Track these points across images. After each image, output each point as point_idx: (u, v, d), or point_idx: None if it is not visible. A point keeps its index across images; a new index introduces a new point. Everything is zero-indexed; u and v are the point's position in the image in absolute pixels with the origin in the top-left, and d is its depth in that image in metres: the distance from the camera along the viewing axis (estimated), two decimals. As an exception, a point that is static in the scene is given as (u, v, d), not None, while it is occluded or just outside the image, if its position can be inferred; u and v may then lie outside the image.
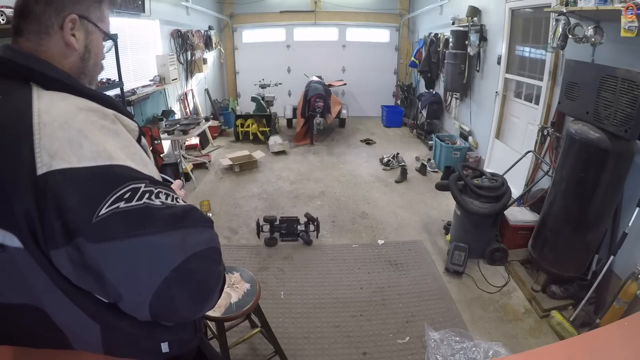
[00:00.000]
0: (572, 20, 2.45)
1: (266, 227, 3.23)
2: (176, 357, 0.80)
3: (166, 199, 0.64)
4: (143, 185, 0.61)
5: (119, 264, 0.59)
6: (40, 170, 0.55)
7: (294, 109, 6.81)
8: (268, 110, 6.32)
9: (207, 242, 0.67)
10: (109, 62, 3.58)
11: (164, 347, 0.76)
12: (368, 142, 6.20)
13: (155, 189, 0.63)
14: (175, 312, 0.65)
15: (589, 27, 2.29)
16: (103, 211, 0.57)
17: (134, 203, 0.59)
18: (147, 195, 0.61)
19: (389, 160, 5.05)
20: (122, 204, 0.58)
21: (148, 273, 0.60)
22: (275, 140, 5.73)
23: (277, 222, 3.25)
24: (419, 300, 2.52)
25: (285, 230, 3.23)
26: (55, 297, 0.63)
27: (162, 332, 0.75)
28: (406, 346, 2.15)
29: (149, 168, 0.67)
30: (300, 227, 3.23)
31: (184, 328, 0.82)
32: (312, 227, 3.23)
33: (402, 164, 4.95)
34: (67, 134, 0.58)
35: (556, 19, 2.56)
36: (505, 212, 2.92)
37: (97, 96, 0.69)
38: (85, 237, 0.56)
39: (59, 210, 0.56)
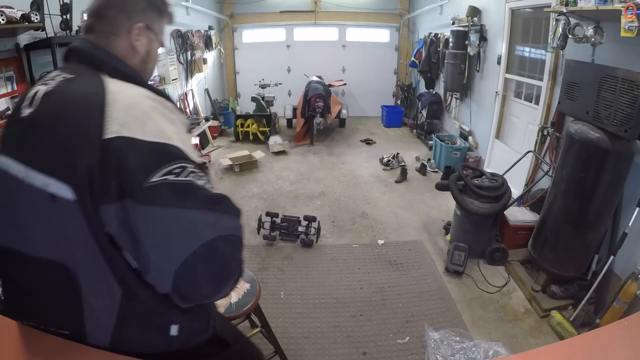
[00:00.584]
0: (572, 20, 2.45)
1: (267, 224, 3.23)
2: (183, 350, 0.81)
3: (205, 184, 0.72)
4: (191, 166, 0.70)
5: (156, 228, 0.65)
6: (108, 135, 0.64)
7: (294, 109, 6.81)
8: (268, 110, 6.32)
9: (234, 229, 0.75)
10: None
11: (174, 329, 0.78)
12: (368, 142, 6.20)
13: (199, 173, 0.71)
14: (196, 288, 0.70)
15: (589, 27, 2.29)
16: (154, 179, 0.64)
17: (180, 178, 0.67)
18: (192, 175, 0.69)
19: (389, 160, 5.05)
20: (170, 177, 0.65)
21: (180, 243, 0.66)
22: (275, 140, 5.73)
23: (279, 221, 3.25)
24: (419, 300, 2.52)
25: (285, 230, 3.24)
26: (89, 253, 0.68)
27: (176, 314, 0.78)
28: (406, 346, 2.15)
29: (195, 156, 0.75)
30: (301, 229, 3.22)
31: (198, 317, 0.84)
32: (312, 230, 3.23)
33: (402, 164, 4.95)
34: (135, 112, 0.68)
35: (556, 19, 2.56)
36: (505, 212, 2.92)
37: (158, 92, 0.79)
38: (134, 198, 0.63)
39: (118, 170, 0.63)
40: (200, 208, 0.69)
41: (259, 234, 3.23)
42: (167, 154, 0.68)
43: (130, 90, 0.72)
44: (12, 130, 0.76)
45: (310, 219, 3.24)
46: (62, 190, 0.66)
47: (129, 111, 0.68)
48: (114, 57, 0.80)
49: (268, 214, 3.25)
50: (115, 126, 0.65)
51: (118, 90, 0.70)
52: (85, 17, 0.87)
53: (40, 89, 0.74)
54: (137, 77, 0.80)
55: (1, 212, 0.75)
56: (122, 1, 0.82)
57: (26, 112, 0.73)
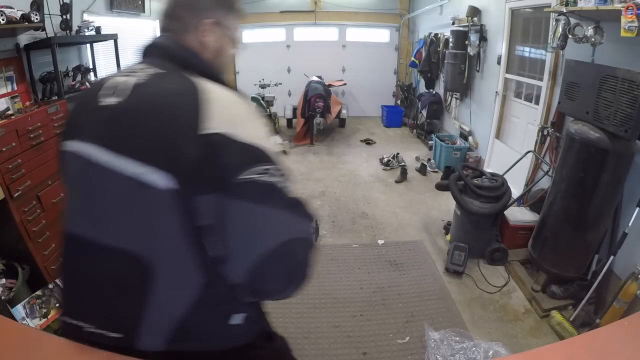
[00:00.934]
0: (572, 20, 2.45)
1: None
2: (238, 347, 0.83)
3: (286, 187, 0.74)
4: (276, 169, 0.73)
5: (241, 222, 0.69)
6: (207, 130, 0.67)
7: (294, 109, 6.80)
8: (268, 110, 6.32)
9: (308, 233, 0.77)
10: (109, 62, 3.59)
11: (237, 318, 0.81)
12: (368, 142, 6.20)
13: (282, 175, 0.74)
14: (266, 284, 0.74)
15: (589, 27, 2.29)
16: (244, 176, 0.68)
17: (266, 179, 0.70)
18: (276, 177, 0.72)
19: (389, 160, 5.05)
20: (258, 176, 0.69)
21: (260, 238, 0.70)
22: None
23: None
24: (419, 300, 2.52)
25: None
26: (173, 242, 0.71)
27: (242, 303, 0.81)
28: (406, 346, 2.15)
29: (278, 159, 0.77)
30: None
31: (254, 307, 0.86)
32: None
33: (402, 164, 4.95)
34: (230, 113, 0.72)
35: (556, 19, 2.56)
36: (505, 212, 2.92)
37: (239, 94, 0.81)
38: (226, 192, 0.68)
39: (214, 164, 0.67)
40: (281, 208, 0.72)
41: None
42: (258, 155, 0.71)
43: (222, 92, 0.75)
44: (91, 117, 0.76)
45: None
46: (157, 178, 0.67)
47: (225, 111, 0.71)
48: (192, 54, 0.84)
49: None
50: (214, 123, 0.68)
51: (211, 90, 0.73)
52: (159, 19, 0.90)
53: (127, 80, 0.76)
54: (214, 74, 0.83)
55: (75, 198, 0.78)
56: (190, 3, 0.87)
57: (110, 100, 0.74)
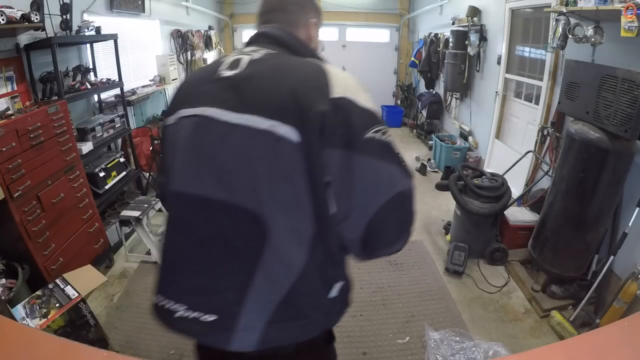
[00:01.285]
0: (572, 20, 2.45)
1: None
2: (317, 339, 0.84)
3: (396, 145, 0.81)
4: (387, 130, 0.80)
5: (366, 175, 0.75)
6: (335, 95, 0.75)
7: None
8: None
9: (412, 187, 0.82)
10: (109, 62, 3.59)
11: (336, 288, 0.83)
12: (368, 142, 6.19)
13: (391, 136, 0.81)
14: (383, 234, 0.80)
15: (589, 27, 2.29)
16: (368, 135, 0.75)
17: (384, 138, 0.78)
18: (390, 137, 0.80)
19: (389, 160, 5.05)
20: (377, 135, 0.77)
21: (381, 189, 0.76)
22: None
23: None
24: (419, 300, 2.52)
25: None
26: (294, 200, 0.74)
27: (343, 273, 0.87)
28: (406, 346, 2.15)
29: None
30: None
31: (347, 277, 0.89)
32: None
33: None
34: (350, 84, 0.80)
35: (556, 19, 2.56)
36: (505, 212, 2.92)
37: None
38: (353, 148, 0.74)
39: (344, 122, 0.74)
40: (395, 164, 0.79)
41: None
42: (376, 118, 0.79)
43: (337, 69, 0.83)
44: (211, 87, 0.82)
45: None
46: (292, 134, 0.73)
47: (345, 82, 0.80)
48: (303, 44, 0.96)
49: None
50: (340, 89, 0.76)
51: (329, 67, 0.82)
52: (260, 11, 1.03)
53: (241, 57, 0.84)
54: (322, 61, 0.89)
55: (192, 160, 0.80)
56: (299, 2, 1.00)
57: (228, 73, 0.82)
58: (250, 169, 0.74)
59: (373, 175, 0.76)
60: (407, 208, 0.81)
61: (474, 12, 4.46)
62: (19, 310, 1.74)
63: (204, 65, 0.81)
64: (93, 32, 3.14)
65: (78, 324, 1.83)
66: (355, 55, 7.63)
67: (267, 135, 0.73)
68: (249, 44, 0.94)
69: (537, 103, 3.41)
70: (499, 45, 4.08)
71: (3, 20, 2.12)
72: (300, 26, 0.98)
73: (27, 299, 1.80)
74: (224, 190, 0.76)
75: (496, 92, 4.12)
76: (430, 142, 5.51)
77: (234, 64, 0.83)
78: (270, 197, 0.74)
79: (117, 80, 3.44)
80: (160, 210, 3.18)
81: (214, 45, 6.63)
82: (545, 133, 3.10)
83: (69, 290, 1.87)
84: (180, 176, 0.82)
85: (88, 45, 3.31)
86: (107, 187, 3.12)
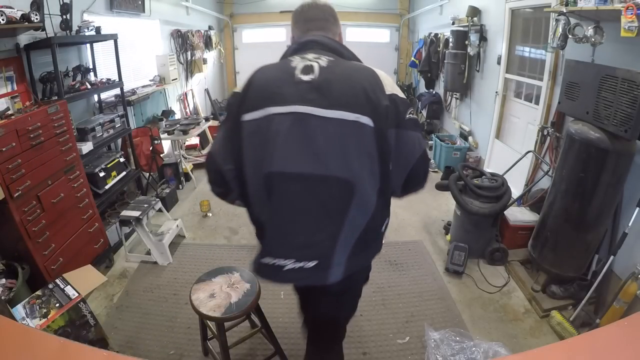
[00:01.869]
0: (572, 20, 2.45)
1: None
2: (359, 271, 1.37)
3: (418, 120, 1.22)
4: (413, 109, 1.19)
5: (408, 141, 1.12)
6: (388, 92, 1.10)
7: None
8: (268, 110, 6.31)
9: (426, 147, 1.24)
10: (109, 62, 3.59)
11: (385, 223, 1.31)
12: (368, 142, 6.19)
13: (414, 113, 1.16)
14: (417, 178, 1.19)
15: (589, 27, 2.29)
16: (407, 116, 1.12)
17: (413, 116, 1.14)
18: (415, 115, 1.15)
19: (389, 160, 5.05)
20: (411, 115, 1.13)
21: (417, 149, 1.14)
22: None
23: None
24: (419, 300, 2.52)
25: None
26: (370, 165, 1.08)
27: (389, 210, 1.30)
28: (406, 346, 2.15)
29: None
30: None
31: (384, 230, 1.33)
32: None
33: (402, 164, 4.94)
34: (391, 82, 1.14)
35: (556, 19, 2.56)
36: (505, 212, 2.92)
37: None
38: (401, 126, 1.10)
39: (395, 110, 1.09)
40: (420, 132, 1.17)
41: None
42: (409, 104, 1.15)
43: (379, 70, 1.16)
44: (293, 89, 1.06)
45: None
46: (365, 120, 1.04)
47: (388, 81, 1.13)
48: (347, 49, 1.25)
49: None
50: (389, 88, 1.11)
51: (375, 69, 1.15)
52: (303, 25, 1.30)
53: (310, 64, 1.10)
54: (365, 64, 1.20)
55: (287, 145, 1.04)
56: (334, 15, 1.32)
57: (307, 77, 1.07)
58: (342, 149, 1.04)
59: (411, 141, 1.13)
60: (427, 161, 1.20)
61: (474, 12, 4.45)
62: (19, 310, 1.74)
63: (270, 67, 1.17)
64: (93, 32, 3.14)
65: (78, 324, 1.83)
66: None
67: (355, 124, 1.04)
68: (303, 48, 1.20)
69: (537, 103, 3.41)
70: (499, 45, 4.08)
71: (3, 20, 2.12)
72: (336, 35, 1.29)
73: (27, 299, 1.80)
74: (321, 166, 1.04)
75: (496, 92, 4.12)
76: (430, 142, 5.51)
77: (307, 70, 1.09)
78: (358, 167, 1.05)
79: (117, 80, 3.44)
80: (160, 210, 3.18)
81: (214, 45, 6.63)
82: (545, 133, 3.10)
83: (69, 290, 1.87)
84: (283, 159, 1.05)
85: (88, 45, 3.31)
86: (107, 187, 3.12)
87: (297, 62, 1.11)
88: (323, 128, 1.03)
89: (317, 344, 1.66)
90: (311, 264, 1.09)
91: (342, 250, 1.12)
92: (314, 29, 1.24)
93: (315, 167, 1.03)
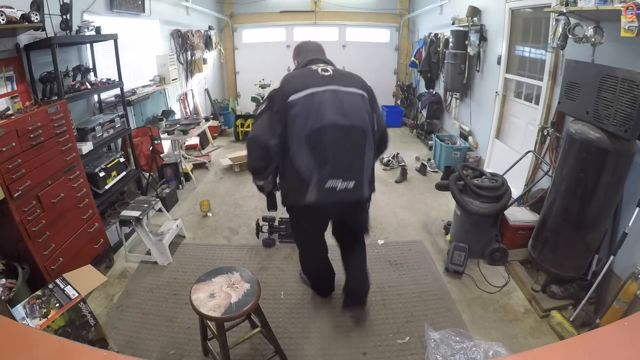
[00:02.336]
0: (572, 20, 2.45)
1: (265, 227, 3.23)
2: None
3: None
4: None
5: (380, 117, 1.98)
6: (368, 85, 1.99)
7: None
8: (268, 110, 6.31)
9: None
10: (109, 62, 3.58)
11: (375, 165, 2.06)
12: (368, 142, 6.19)
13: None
14: (385, 141, 2.10)
15: (589, 27, 2.29)
16: (375, 101, 2.00)
17: (376, 100, 2.01)
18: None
19: (389, 160, 5.06)
20: (377, 101, 2.02)
21: (384, 122, 2.04)
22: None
23: (277, 223, 3.25)
24: (419, 300, 2.52)
25: (284, 232, 3.23)
26: (371, 122, 1.89)
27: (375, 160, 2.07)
28: (406, 346, 2.15)
29: None
30: None
31: None
32: None
33: (402, 164, 4.95)
34: (365, 80, 2.01)
35: (556, 19, 2.56)
36: (505, 212, 2.92)
37: None
38: (374, 104, 1.97)
39: (372, 94, 1.99)
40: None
41: (258, 238, 3.24)
42: (374, 93, 1.98)
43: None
44: (324, 78, 1.84)
45: None
46: (364, 94, 1.89)
47: (364, 79, 1.96)
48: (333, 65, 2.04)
49: (265, 219, 3.24)
50: (367, 83, 1.97)
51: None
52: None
53: (325, 68, 1.90)
54: None
55: (331, 106, 1.76)
56: (322, 47, 2.17)
57: (327, 73, 1.86)
58: (357, 109, 1.82)
59: (381, 116, 2.00)
60: (387, 132, 2.07)
61: (474, 12, 4.46)
62: (19, 310, 1.73)
63: (296, 72, 2.04)
64: (93, 32, 3.14)
65: (78, 324, 1.83)
66: (355, 55, 7.62)
67: (361, 95, 1.88)
68: (310, 63, 1.98)
69: (537, 103, 3.41)
70: (499, 45, 4.08)
71: (3, 20, 2.12)
72: (325, 57, 2.09)
73: (27, 299, 1.80)
74: (348, 120, 1.78)
75: (496, 92, 4.12)
76: (430, 142, 5.51)
77: (325, 70, 1.88)
78: (367, 120, 1.84)
79: (117, 80, 3.44)
80: (160, 210, 3.18)
81: (214, 45, 6.64)
82: (545, 133, 3.10)
83: (69, 290, 1.87)
84: (329, 115, 1.74)
85: (88, 45, 3.31)
86: (107, 187, 3.12)
87: (315, 67, 1.90)
88: (346, 97, 1.80)
89: (351, 244, 2.30)
90: (351, 183, 1.78)
91: (365, 177, 1.85)
92: (315, 53, 2.06)
93: (345, 120, 1.76)
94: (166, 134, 4.30)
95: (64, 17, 2.80)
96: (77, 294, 1.86)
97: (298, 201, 1.82)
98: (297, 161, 1.76)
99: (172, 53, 5.14)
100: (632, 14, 1.83)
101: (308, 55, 2.01)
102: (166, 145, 4.68)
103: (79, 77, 3.13)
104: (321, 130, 1.72)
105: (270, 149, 1.76)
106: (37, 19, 2.37)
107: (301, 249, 2.39)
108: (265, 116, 1.79)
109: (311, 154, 1.74)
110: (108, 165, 3.17)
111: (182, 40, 5.44)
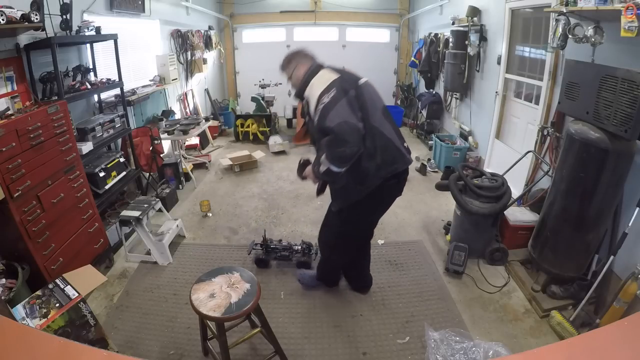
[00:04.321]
0: (572, 20, 2.45)
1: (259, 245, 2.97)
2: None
3: None
4: None
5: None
6: (362, 81, 2.05)
7: (294, 109, 6.80)
8: (268, 110, 6.32)
9: None
10: (109, 62, 3.59)
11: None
12: (368, 142, 6.18)
13: None
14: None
15: (589, 27, 2.29)
16: None
17: None
18: None
19: (389, 160, 5.04)
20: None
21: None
22: (275, 140, 5.73)
23: (273, 246, 2.92)
24: (419, 300, 2.52)
25: (280, 255, 2.91)
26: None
27: None
28: (406, 346, 2.15)
29: None
30: (297, 255, 2.89)
31: None
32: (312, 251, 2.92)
33: (402, 164, 4.94)
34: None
35: (556, 19, 2.56)
36: (505, 212, 2.92)
37: None
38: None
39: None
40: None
41: (249, 254, 2.96)
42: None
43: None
44: (357, 82, 1.98)
45: (307, 245, 2.92)
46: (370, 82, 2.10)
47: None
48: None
49: (260, 245, 2.93)
50: (363, 77, 2.08)
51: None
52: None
53: (342, 68, 2.08)
54: None
55: (373, 107, 1.94)
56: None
57: (363, 81, 2.01)
58: (378, 93, 2.05)
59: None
60: None
61: (474, 12, 4.46)
62: (19, 310, 1.73)
63: (344, 77, 2.05)
64: (93, 32, 3.14)
65: (78, 324, 1.83)
66: (355, 55, 7.62)
67: (370, 84, 2.06)
68: (323, 67, 2.05)
69: (537, 103, 3.41)
70: (499, 45, 4.08)
71: (3, 20, 2.12)
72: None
73: (27, 299, 1.80)
74: (382, 102, 2.05)
75: (496, 92, 4.12)
76: (430, 142, 5.51)
77: (360, 77, 2.05)
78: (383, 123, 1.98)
79: (117, 80, 3.44)
80: (160, 210, 3.18)
81: (214, 46, 6.64)
82: (545, 133, 3.10)
83: (69, 290, 1.87)
84: (377, 104, 1.98)
85: (88, 45, 3.31)
86: (107, 187, 3.12)
87: (349, 73, 2.06)
88: (371, 86, 2.03)
89: (369, 241, 2.58)
90: (404, 149, 2.06)
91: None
92: (314, 62, 2.10)
93: (376, 123, 1.92)
94: (166, 134, 4.30)
95: (64, 17, 2.80)
96: (77, 294, 1.86)
97: (397, 168, 2.01)
98: (385, 131, 1.93)
99: (172, 53, 5.14)
100: (632, 14, 1.83)
101: (311, 59, 2.09)
102: (166, 145, 4.68)
103: (79, 77, 3.13)
104: (384, 106, 2.03)
105: (361, 131, 1.79)
106: (37, 19, 2.37)
107: (348, 245, 2.33)
108: (343, 101, 1.78)
109: (390, 124, 1.99)
110: (108, 165, 3.17)
111: (182, 40, 5.44)
